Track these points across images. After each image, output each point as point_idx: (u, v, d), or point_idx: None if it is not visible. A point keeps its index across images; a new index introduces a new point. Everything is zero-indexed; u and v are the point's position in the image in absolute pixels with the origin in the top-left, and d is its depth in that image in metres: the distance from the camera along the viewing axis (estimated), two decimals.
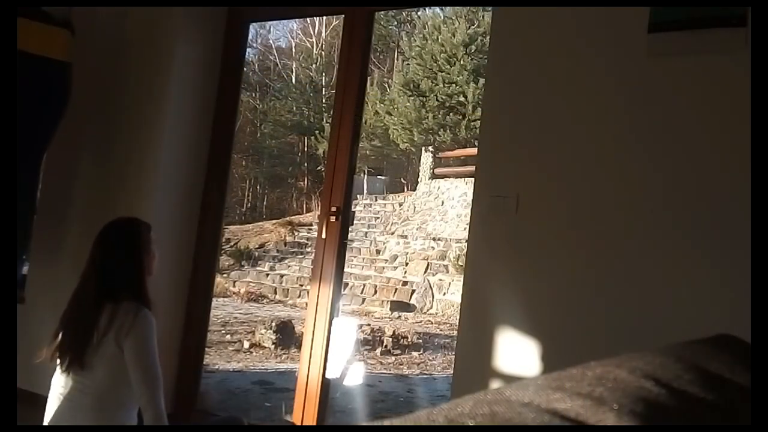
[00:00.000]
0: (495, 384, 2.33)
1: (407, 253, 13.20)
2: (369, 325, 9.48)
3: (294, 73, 24.68)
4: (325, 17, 20.64)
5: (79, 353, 2.17)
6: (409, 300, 11.80)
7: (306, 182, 22.91)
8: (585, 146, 2.30)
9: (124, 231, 2.35)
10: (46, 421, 2.25)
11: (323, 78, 23.36)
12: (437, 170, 16.46)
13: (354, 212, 10.76)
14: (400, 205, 16.38)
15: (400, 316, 11.02)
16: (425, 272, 12.22)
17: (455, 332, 3.29)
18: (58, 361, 2.23)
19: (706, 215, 2.07)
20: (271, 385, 6.64)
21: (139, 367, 2.16)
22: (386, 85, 20.32)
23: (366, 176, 19.45)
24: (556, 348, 2.24)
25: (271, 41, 25.73)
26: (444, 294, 11.56)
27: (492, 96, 2.55)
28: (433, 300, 11.67)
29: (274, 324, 8.58)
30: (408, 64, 18.65)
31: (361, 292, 12.27)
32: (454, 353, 2.69)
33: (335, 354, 2.97)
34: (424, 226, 14.23)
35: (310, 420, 2.87)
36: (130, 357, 2.16)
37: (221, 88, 3.39)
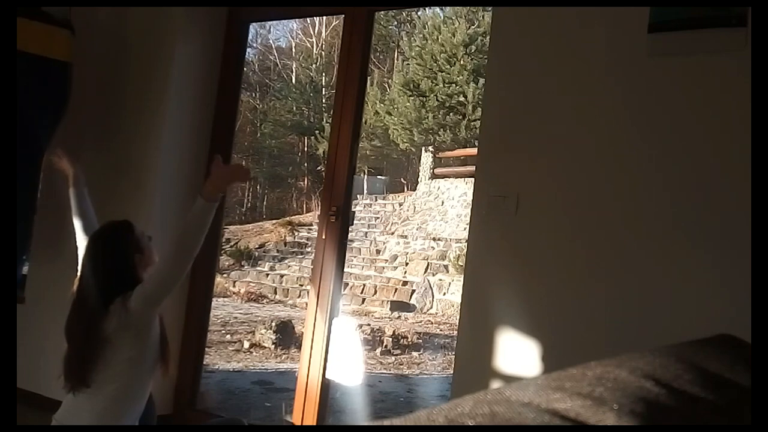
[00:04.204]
0: (495, 384, 2.33)
1: (407, 253, 13.20)
2: (369, 325, 9.47)
3: (294, 73, 24.69)
4: (325, 17, 20.66)
5: (82, 373, 2.13)
6: (409, 300, 11.80)
7: (306, 182, 22.92)
8: (585, 146, 2.30)
9: (109, 242, 2.27)
10: None
11: (323, 78, 23.37)
12: (437, 170, 16.46)
13: (354, 212, 10.76)
14: (400, 205, 16.37)
15: (400, 316, 11.02)
16: (425, 272, 12.22)
17: (455, 332, 3.29)
18: (64, 382, 2.16)
19: (707, 215, 2.07)
20: (271, 385, 6.65)
21: (151, 276, 2.17)
22: (386, 85, 20.33)
23: (366, 176, 19.45)
24: (556, 348, 2.24)
25: (271, 41, 25.78)
26: (444, 294, 11.56)
27: (492, 96, 2.54)
28: (433, 300, 11.67)
29: (274, 324, 8.58)
30: (408, 64, 18.64)
31: (361, 292, 12.27)
32: (454, 353, 2.69)
33: (335, 354, 2.97)
34: (424, 226, 14.23)
35: (310, 420, 2.87)
36: (144, 291, 2.13)
37: (221, 88, 3.39)
